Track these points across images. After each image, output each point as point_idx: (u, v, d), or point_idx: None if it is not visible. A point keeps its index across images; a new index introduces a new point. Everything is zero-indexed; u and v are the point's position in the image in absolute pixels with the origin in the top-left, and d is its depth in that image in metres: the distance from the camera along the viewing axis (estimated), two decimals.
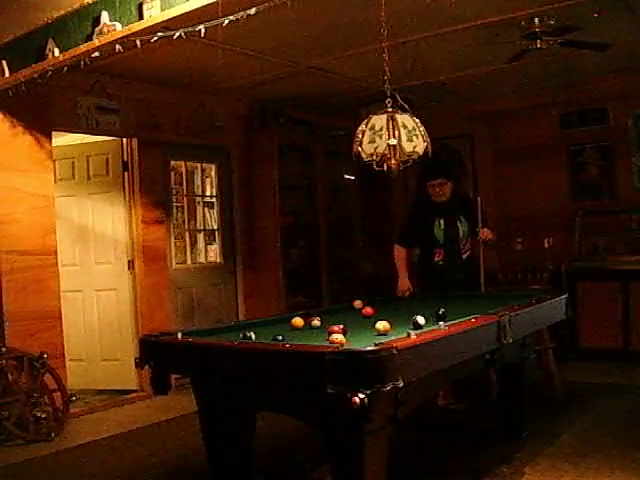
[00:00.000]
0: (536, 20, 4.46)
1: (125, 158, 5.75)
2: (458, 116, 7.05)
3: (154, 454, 4.15)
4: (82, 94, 5.27)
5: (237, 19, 3.31)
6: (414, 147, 3.60)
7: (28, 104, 4.80)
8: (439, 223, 4.77)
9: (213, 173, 6.60)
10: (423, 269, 4.99)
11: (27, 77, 4.26)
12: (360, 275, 7.38)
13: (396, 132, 3.55)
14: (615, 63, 5.63)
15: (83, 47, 3.85)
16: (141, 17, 3.58)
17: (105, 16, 3.73)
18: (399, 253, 4.96)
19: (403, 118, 3.61)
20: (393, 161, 3.59)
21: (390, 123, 3.57)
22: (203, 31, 3.43)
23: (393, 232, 7.71)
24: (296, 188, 6.93)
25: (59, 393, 4.81)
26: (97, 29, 3.75)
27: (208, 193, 6.65)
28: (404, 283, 4.85)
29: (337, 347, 2.58)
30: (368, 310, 3.86)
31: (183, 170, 6.39)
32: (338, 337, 2.72)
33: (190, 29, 3.47)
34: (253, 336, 3.04)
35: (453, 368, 2.91)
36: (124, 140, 5.74)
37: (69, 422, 4.86)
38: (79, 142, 5.95)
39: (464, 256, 4.82)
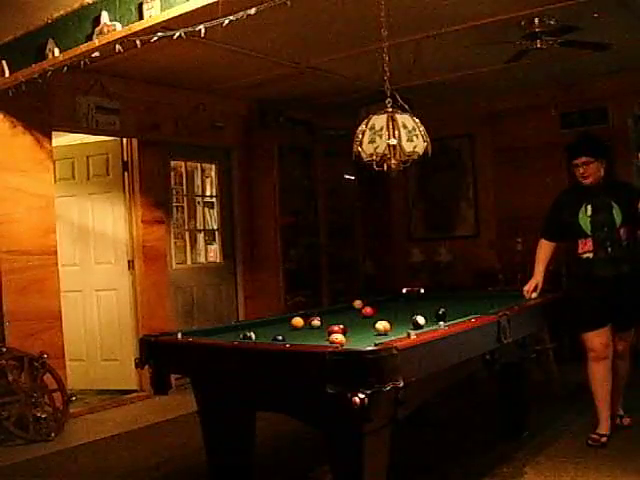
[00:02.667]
0: (536, 20, 4.46)
1: (125, 158, 5.76)
2: (458, 116, 7.05)
3: (154, 454, 4.15)
4: (82, 94, 5.27)
5: (237, 19, 3.31)
6: (414, 147, 3.60)
7: (28, 104, 4.80)
8: (585, 209, 4.02)
9: (213, 173, 6.60)
10: (570, 265, 4.28)
11: (27, 77, 4.26)
12: (360, 275, 7.38)
13: (396, 132, 3.55)
14: (615, 63, 5.64)
15: (83, 47, 3.85)
16: (141, 17, 3.58)
17: (105, 16, 3.73)
18: (540, 247, 4.24)
19: (403, 118, 3.61)
20: (393, 161, 3.59)
21: (390, 123, 3.56)
22: (203, 31, 3.43)
23: (393, 232, 7.76)
24: (296, 188, 6.93)
25: (59, 393, 4.81)
26: (97, 29, 3.75)
27: (208, 193, 6.65)
28: (532, 281, 4.16)
29: (337, 347, 2.58)
30: (368, 310, 3.86)
31: (183, 170, 6.40)
32: (338, 337, 2.73)
33: (190, 29, 3.47)
34: (253, 336, 3.04)
35: (453, 368, 2.92)
36: (124, 140, 5.75)
37: (69, 422, 4.86)
38: (79, 142, 5.95)
39: (618, 247, 3.95)
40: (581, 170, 4.01)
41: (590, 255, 3.96)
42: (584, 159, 4.00)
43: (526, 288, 4.12)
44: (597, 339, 3.90)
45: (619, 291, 3.88)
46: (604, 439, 3.79)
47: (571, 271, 4.26)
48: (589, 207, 3.98)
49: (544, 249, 4.20)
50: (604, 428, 3.85)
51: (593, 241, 3.95)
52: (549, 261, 4.22)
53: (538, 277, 4.15)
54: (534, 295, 4.07)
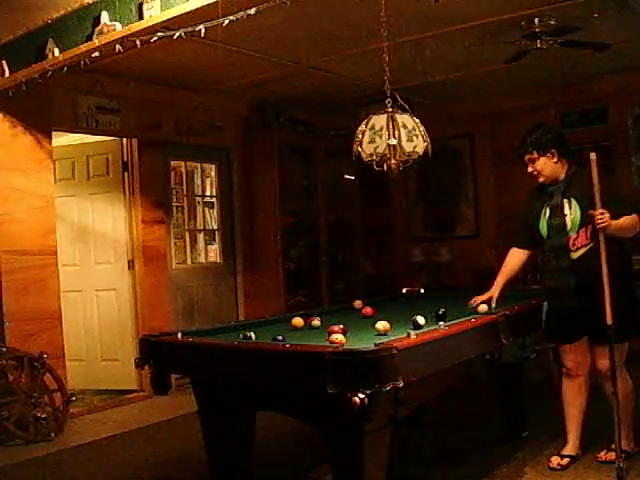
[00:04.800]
0: (536, 20, 4.46)
1: (125, 158, 5.75)
2: (458, 116, 7.05)
3: (154, 454, 4.15)
4: (82, 94, 5.28)
5: (237, 19, 3.31)
6: (414, 147, 3.60)
7: (28, 104, 4.79)
8: (545, 212, 3.53)
9: (213, 173, 6.60)
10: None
11: (27, 77, 4.26)
12: (360, 275, 7.38)
13: (396, 132, 3.55)
14: (615, 63, 5.63)
15: (83, 47, 3.85)
16: (141, 17, 3.58)
17: (105, 16, 3.73)
18: (508, 255, 3.78)
19: (403, 118, 3.62)
20: (393, 161, 3.59)
21: (390, 123, 3.57)
22: (203, 31, 3.44)
23: (393, 232, 7.76)
24: (296, 188, 6.93)
25: (59, 393, 4.81)
26: (97, 29, 3.76)
27: (208, 193, 6.65)
28: (486, 294, 3.62)
29: (337, 347, 2.58)
30: (368, 310, 3.86)
31: (183, 170, 6.40)
32: (338, 337, 2.73)
33: (190, 29, 3.48)
34: (253, 336, 3.04)
35: (453, 368, 2.92)
36: (124, 140, 5.74)
37: (69, 422, 4.86)
38: (79, 142, 5.95)
39: (575, 255, 3.40)
40: (529, 169, 3.56)
41: (546, 264, 3.56)
42: (527, 156, 3.55)
43: (474, 299, 3.57)
44: (569, 355, 3.55)
45: (578, 304, 3.38)
46: (565, 461, 3.48)
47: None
48: (548, 209, 3.52)
49: (511, 258, 3.74)
50: (569, 449, 3.54)
51: (548, 248, 3.52)
52: (515, 273, 3.75)
53: (494, 291, 3.64)
54: (482, 308, 3.47)
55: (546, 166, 3.51)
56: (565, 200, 3.46)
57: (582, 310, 3.39)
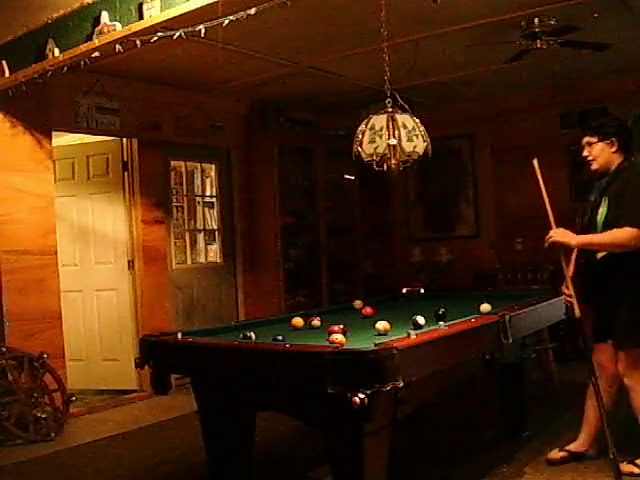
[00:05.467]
0: (536, 20, 4.47)
1: (125, 158, 5.76)
2: (458, 116, 7.05)
3: (154, 454, 4.15)
4: (82, 94, 5.28)
5: (237, 19, 3.31)
6: (414, 147, 3.61)
7: (28, 104, 4.80)
8: (588, 206, 3.43)
9: (213, 173, 6.60)
10: None
11: (27, 77, 4.26)
12: (360, 275, 7.38)
13: (396, 132, 3.56)
14: (615, 63, 5.64)
15: (83, 47, 3.85)
16: (141, 17, 3.58)
17: (105, 16, 3.73)
18: None
19: (403, 118, 3.62)
20: (393, 161, 3.60)
21: (390, 123, 3.58)
22: (203, 31, 3.44)
23: (393, 232, 7.76)
24: (296, 188, 6.94)
25: (59, 393, 4.81)
26: (97, 29, 3.76)
27: (208, 193, 6.65)
28: (565, 281, 3.42)
29: (337, 347, 2.58)
30: (368, 310, 3.86)
31: (183, 170, 6.40)
32: (338, 337, 2.73)
33: (190, 29, 3.48)
34: (253, 336, 3.04)
35: (453, 368, 2.92)
36: (124, 140, 5.75)
37: (69, 422, 4.86)
38: (79, 142, 5.95)
39: (599, 254, 3.27)
40: (585, 152, 3.39)
41: (582, 260, 3.38)
42: (586, 139, 3.38)
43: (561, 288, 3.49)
44: (595, 355, 3.45)
45: (598, 303, 3.30)
46: (564, 454, 3.49)
47: None
48: (589, 205, 3.41)
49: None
50: (575, 445, 3.53)
51: None
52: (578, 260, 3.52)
53: (567, 273, 3.42)
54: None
55: (603, 153, 3.34)
56: (603, 197, 3.30)
57: (600, 309, 3.32)
